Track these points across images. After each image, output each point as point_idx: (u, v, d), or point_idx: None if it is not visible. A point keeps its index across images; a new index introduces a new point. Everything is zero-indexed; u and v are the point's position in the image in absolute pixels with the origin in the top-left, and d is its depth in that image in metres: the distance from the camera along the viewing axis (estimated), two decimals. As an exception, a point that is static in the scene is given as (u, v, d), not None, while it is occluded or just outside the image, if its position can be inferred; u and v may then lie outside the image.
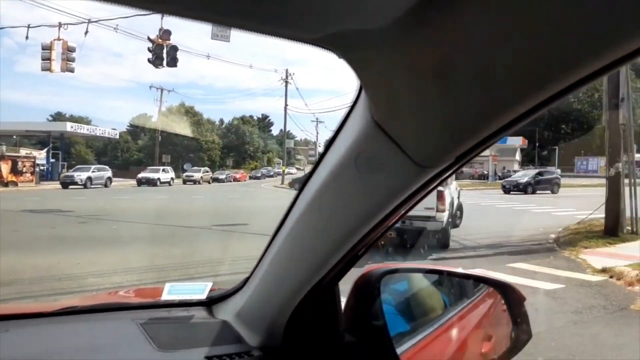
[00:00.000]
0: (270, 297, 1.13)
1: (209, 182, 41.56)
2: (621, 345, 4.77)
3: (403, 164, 0.73)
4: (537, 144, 56.65)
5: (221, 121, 74.06)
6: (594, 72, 0.50)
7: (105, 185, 32.23)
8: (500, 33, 0.47)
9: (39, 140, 47.77)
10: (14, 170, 30.18)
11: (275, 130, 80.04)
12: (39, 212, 14.91)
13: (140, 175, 36.53)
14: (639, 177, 12.10)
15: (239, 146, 66.82)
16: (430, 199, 8.65)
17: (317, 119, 57.19)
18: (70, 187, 29.23)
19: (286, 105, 43.91)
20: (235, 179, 46.05)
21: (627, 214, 11.30)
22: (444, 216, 9.37)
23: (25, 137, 47.85)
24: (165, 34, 17.45)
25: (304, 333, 1.14)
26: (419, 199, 0.84)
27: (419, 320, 1.47)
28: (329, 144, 0.86)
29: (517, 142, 47.93)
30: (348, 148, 0.78)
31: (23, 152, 37.01)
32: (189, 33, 51.82)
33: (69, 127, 41.95)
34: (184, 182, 39.57)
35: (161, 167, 39.42)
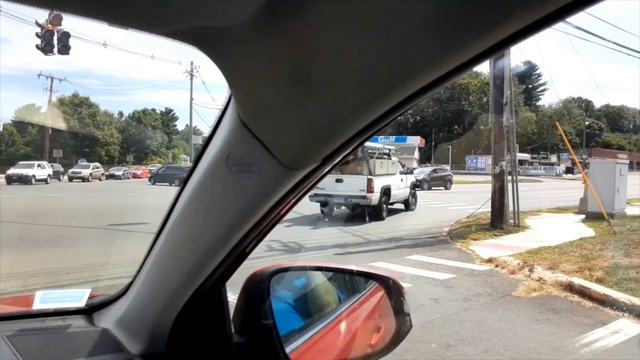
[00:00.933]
0: (152, 301, 1.08)
1: (100, 179, 37.80)
2: (504, 329, 5.26)
3: (270, 165, 0.73)
4: (433, 143, 60.56)
5: (120, 114, 69.97)
6: (436, 80, 0.53)
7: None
8: (350, 36, 0.48)
9: None
10: None
11: (180, 125, 77.21)
12: None
13: (10, 172, 31.02)
14: (520, 174, 13.36)
15: (141, 141, 63.51)
16: (363, 184, 13.63)
17: (225, 114, 55.94)
18: None
19: (192, 99, 42.62)
20: (135, 176, 43.22)
21: (510, 208, 12.44)
22: (373, 197, 13.87)
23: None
24: (56, 18, 16.02)
25: (190, 336, 1.12)
26: (295, 200, 0.85)
27: (314, 316, 1.50)
28: (206, 143, 0.84)
29: (415, 141, 50.81)
30: (220, 148, 0.77)
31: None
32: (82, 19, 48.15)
33: (-62, 117, 37.16)
34: (70, 179, 35.57)
35: (36, 162, 33.52)
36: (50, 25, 16.19)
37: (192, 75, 42.36)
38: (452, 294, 6.55)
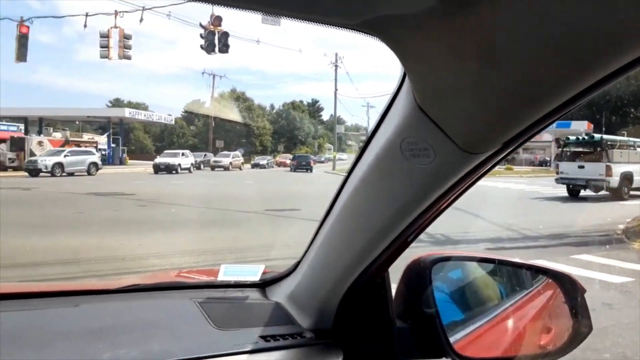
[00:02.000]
0: (320, 281, 1.15)
1: (240, 169, 38.04)
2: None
3: (448, 149, 0.71)
4: (604, 129, 53.69)
5: (272, 107, 75.01)
6: None
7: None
8: (546, 11, 0.45)
9: (100, 125, 50.25)
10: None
11: (325, 116, 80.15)
12: (103, 195, 15.73)
13: (157, 161, 31.69)
14: None
15: (290, 132, 67.47)
16: (602, 169, 16.59)
17: (367, 103, 56.67)
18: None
19: (336, 90, 43.79)
20: (284, 165, 45.44)
21: None
22: (611, 180, 16.68)
23: (87, 123, 50.48)
24: (217, 20, 17.74)
25: (355, 317, 1.16)
26: (469, 184, 0.83)
27: (474, 309, 1.45)
28: (375, 129, 0.86)
29: (581, 126, 45.43)
30: (392, 133, 0.78)
31: (86, 137, 39.01)
32: (240, 18, 52.54)
33: (127, 113, 43.79)
34: (212, 168, 36.40)
35: (180, 151, 34.16)
36: (212, 27, 17.91)
37: (336, 66, 43.56)
38: (628, 300, 5.79)
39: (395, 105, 0.78)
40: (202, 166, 36.82)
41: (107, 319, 1.18)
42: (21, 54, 16.57)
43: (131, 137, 58.82)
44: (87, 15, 18.01)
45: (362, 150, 0.90)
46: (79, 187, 18.01)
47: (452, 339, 1.20)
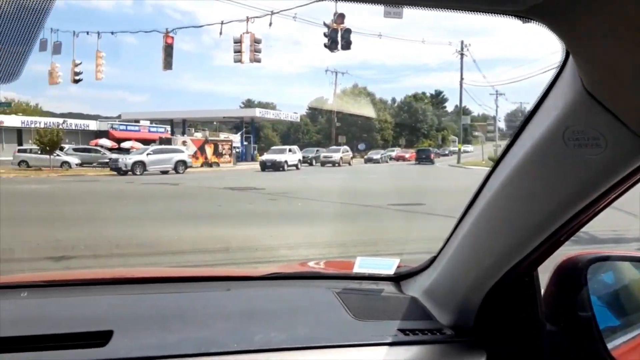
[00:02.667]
0: (461, 277, 1.12)
1: (349, 164, 36.21)
2: None
3: (622, 137, 0.66)
4: None
5: (393, 100, 74.33)
6: None
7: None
8: None
9: (234, 125, 54.23)
10: (216, 153, 34.74)
11: (449, 107, 77.33)
12: (238, 189, 17.00)
13: (264, 158, 31.06)
14: None
15: (412, 125, 66.33)
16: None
17: (496, 91, 53.38)
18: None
19: (462, 79, 41.93)
20: (402, 159, 44.21)
21: None
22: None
23: (223, 123, 54.75)
24: (340, 17, 18.07)
25: (499, 316, 1.12)
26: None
27: (632, 315, 1.31)
28: (529, 116, 0.81)
29: None
30: (554, 121, 0.72)
31: (222, 136, 42.34)
32: (360, 14, 52.79)
33: (257, 112, 46.80)
34: (322, 164, 35.20)
35: (287, 147, 33.10)
36: (335, 25, 18.28)
37: (462, 54, 41.70)
38: None
39: (556, 91, 0.73)
40: (314, 162, 36.61)
41: (255, 303, 1.29)
42: (167, 63, 18.57)
43: (261, 135, 62.59)
44: (222, 23, 19.52)
45: (513, 140, 0.86)
46: (218, 182, 19.68)
47: (609, 346, 1.11)
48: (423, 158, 38.39)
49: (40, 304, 1.23)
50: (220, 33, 19.67)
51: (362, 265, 1.48)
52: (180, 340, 1.08)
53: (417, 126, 66.22)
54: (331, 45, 18.44)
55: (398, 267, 1.45)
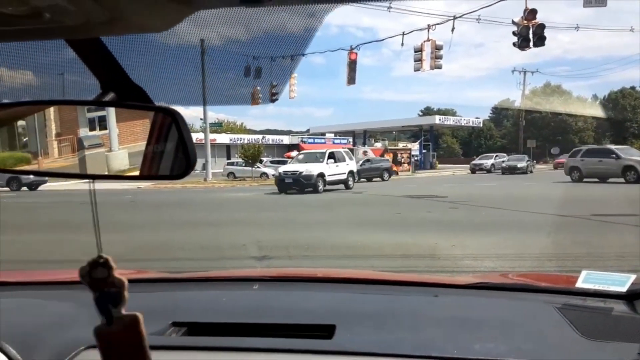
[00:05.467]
0: None
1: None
2: None
3: None
4: None
5: (594, 97, 65.62)
6: None
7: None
8: None
9: (412, 133, 54.17)
10: (395, 161, 35.09)
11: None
12: (416, 197, 16.93)
13: (282, 169, 22.55)
14: None
15: (618, 124, 57.55)
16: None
17: None
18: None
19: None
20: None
21: None
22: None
23: (401, 132, 55.12)
24: (531, 13, 16.74)
25: None
26: None
27: None
28: None
29: None
30: None
31: (400, 145, 42.70)
32: (553, 7, 47.94)
33: (437, 119, 45.99)
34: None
35: (327, 151, 23.01)
36: (525, 21, 16.99)
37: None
38: None
39: None
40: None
41: (464, 311, 1.27)
42: (351, 78, 19.52)
43: (440, 142, 61.20)
44: (403, 34, 19.77)
45: None
46: (396, 190, 19.88)
47: None
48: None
49: (269, 296, 1.40)
50: (402, 44, 19.91)
51: (589, 279, 1.33)
52: (398, 339, 1.12)
53: (625, 125, 57.13)
54: (521, 44, 17.17)
55: (633, 284, 1.28)
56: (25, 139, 0.87)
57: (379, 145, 40.81)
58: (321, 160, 21.16)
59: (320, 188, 19.69)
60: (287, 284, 1.51)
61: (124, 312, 0.84)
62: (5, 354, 0.87)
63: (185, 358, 1.05)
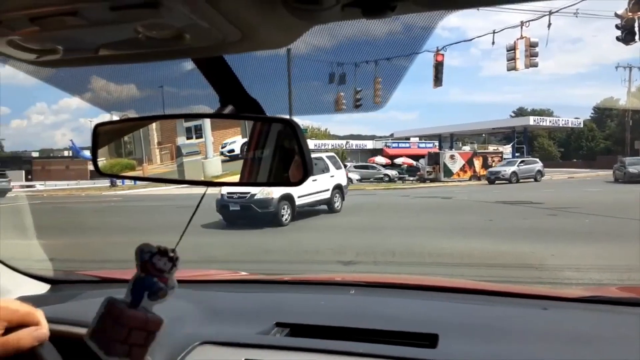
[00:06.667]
0: None
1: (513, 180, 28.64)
2: None
3: None
4: None
5: None
6: None
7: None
8: None
9: (504, 136, 51.61)
10: (485, 165, 33.68)
11: None
12: (510, 203, 16.07)
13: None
14: None
15: None
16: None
17: None
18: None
19: None
20: None
21: None
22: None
23: (491, 134, 52.76)
24: (636, 5, 15.30)
25: None
26: None
27: None
28: None
29: None
30: None
31: (491, 148, 40.88)
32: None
33: (531, 121, 43.42)
34: (490, 181, 29.12)
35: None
36: (630, 14, 15.58)
37: None
38: None
39: None
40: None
41: (577, 326, 1.19)
42: (437, 80, 19.03)
43: (535, 145, 57.76)
44: (494, 32, 18.93)
45: None
46: (488, 196, 19.02)
47: None
48: None
49: (366, 302, 1.40)
50: (493, 43, 19.06)
51: None
52: (507, 353, 1.07)
53: None
54: (626, 38, 15.73)
55: None
56: (130, 147, 0.93)
57: (467, 148, 39.38)
58: None
59: (285, 218, 12.52)
60: (384, 290, 1.49)
61: (154, 310, 0.82)
62: None
63: (290, 358, 1.07)
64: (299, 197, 13.06)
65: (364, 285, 1.51)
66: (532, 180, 28.94)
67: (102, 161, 0.90)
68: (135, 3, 0.49)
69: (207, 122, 0.89)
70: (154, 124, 0.95)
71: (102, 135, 0.88)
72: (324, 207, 14.67)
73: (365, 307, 1.35)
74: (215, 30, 0.56)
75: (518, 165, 29.74)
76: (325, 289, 1.54)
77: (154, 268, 0.79)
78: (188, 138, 0.90)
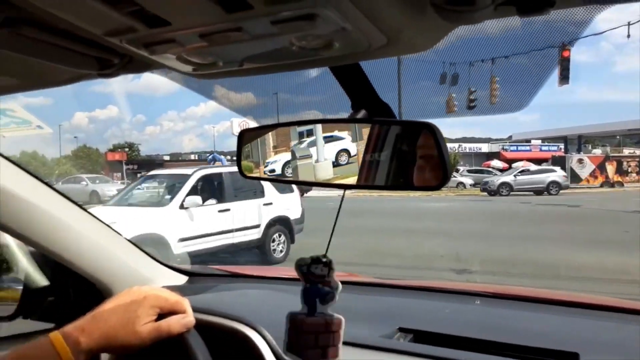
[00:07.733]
0: None
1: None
2: None
3: None
4: None
5: None
6: None
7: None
8: None
9: (644, 138, 45.98)
10: (619, 171, 30.39)
11: None
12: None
13: None
14: None
15: None
16: None
17: None
18: None
19: None
20: None
21: None
22: None
23: (627, 137, 47.30)
24: None
25: None
26: None
27: None
28: None
29: None
30: None
31: (626, 151, 36.69)
32: None
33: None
34: (490, 193, 25.68)
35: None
36: None
37: None
38: None
39: None
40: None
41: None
42: (563, 77, 17.55)
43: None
44: (629, 24, 17.01)
45: None
46: (623, 205, 17.10)
47: None
48: None
49: (493, 313, 1.34)
50: (628, 35, 17.12)
51: None
52: None
53: None
54: None
55: None
56: (248, 150, 0.99)
57: (598, 152, 35.70)
58: (172, 197, 8.20)
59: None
60: (511, 302, 1.40)
61: (330, 311, 0.89)
62: (264, 337, 0.98)
63: None
64: (180, 240, 7.53)
65: (489, 296, 1.44)
66: (546, 193, 24.95)
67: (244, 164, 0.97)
68: (294, 16, 0.51)
69: (318, 127, 0.91)
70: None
71: (245, 141, 0.95)
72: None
73: (492, 319, 1.29)
74: (362, 36, 0.56)
75: (515, 176, 26.37)
76: (449, 297, 1.50)
77: (314, 276, 0.89)
78: (300, 142, 0.93)
